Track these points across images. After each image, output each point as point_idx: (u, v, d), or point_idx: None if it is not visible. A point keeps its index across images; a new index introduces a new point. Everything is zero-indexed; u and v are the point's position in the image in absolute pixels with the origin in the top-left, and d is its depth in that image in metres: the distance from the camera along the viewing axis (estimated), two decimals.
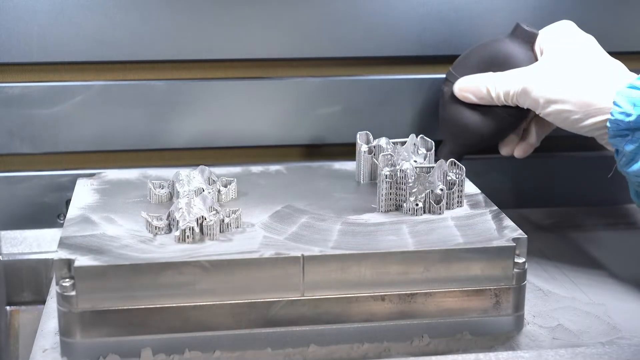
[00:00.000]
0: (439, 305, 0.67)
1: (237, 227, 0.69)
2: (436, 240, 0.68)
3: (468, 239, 0.68)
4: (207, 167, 0.77)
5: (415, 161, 0.78)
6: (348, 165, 0.86)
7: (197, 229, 0.67)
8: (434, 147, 0.81)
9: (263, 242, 0.67)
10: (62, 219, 0.89)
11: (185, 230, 0.66)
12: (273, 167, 0.85)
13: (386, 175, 0.73)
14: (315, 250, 0.65)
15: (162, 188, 0.76)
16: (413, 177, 0.74)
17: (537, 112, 0.78)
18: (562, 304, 0.75)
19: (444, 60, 0.90)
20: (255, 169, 0.85)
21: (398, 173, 0.73)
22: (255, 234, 0.69)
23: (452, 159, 0.76)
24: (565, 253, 0.87)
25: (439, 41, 0.91)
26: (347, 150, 0.89)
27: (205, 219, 0.67)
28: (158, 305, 0.64)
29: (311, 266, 0.65)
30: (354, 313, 0.66)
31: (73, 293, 0.63)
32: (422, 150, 0.80)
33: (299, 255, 0.65)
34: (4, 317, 0.90)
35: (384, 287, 0.66)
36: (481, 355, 0.64)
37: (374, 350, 0.67)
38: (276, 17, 0.88)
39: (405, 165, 0.74)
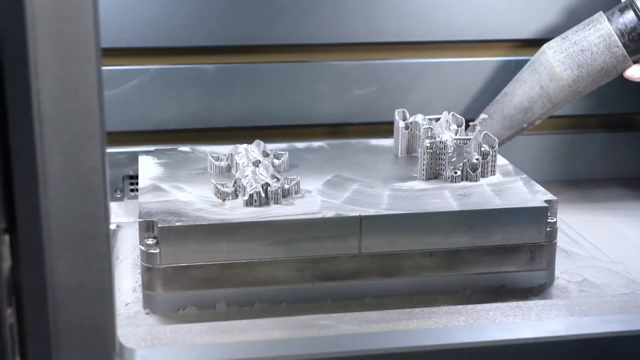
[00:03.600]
0: (480, 260, 0.75)
1: (297, 192, 0.76)
2: (477, 203, 0.75)
3: (505, 201, 0.76)
4: (261, 142, 0.84)
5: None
6: (384, 142, 0.93)
7: (263, 194, 0.74)
8: (464, 123, 0.88)
9: (322, 205, 0.74)
10: (119, 193, 0.96)
11: (253, 194, 0.74)
12: (316, 144, 0.92)
13: (427, 146, 0.81)
14: (371, 211, 0.73)
15: (221, 160, 0.83)
16: (452, 148, 0.81)
17: None
18: (585, 263, 0.82)
19: (468, 45, 0.98)
20: (300, 144, 0.91)
21: (438, 144, 0.81)
22: (314, 198, 0.76)
23: (485, 132, 0.83)
24: (582, 220, 0.95)
25: (464, 28, 0.99)
26: (375, 129, 0.98)
27: (270, 185, 0.75)
28: (231, 261, 0.71)
29: (367, 225, 0.72)
30: (405, 268, 0.74)
31: (157, 251, 0.70)
32: (454, 126, 0.87)
33: (357, 215, 0.72)
34: None
35: (431, 245, 0.74)
36: (520, 303, 0.72)
37: (422, 301, 0.74)
38: (317, 6, 0.96)
39: (445, 137, 0.81)
